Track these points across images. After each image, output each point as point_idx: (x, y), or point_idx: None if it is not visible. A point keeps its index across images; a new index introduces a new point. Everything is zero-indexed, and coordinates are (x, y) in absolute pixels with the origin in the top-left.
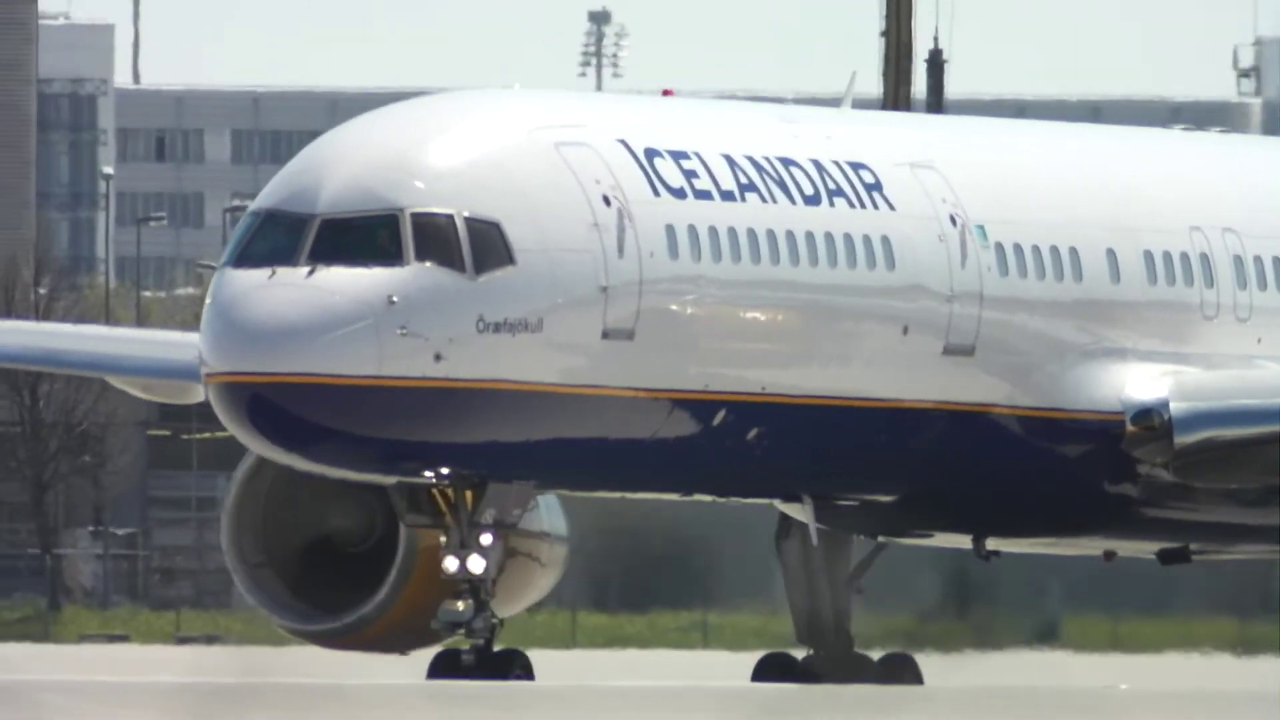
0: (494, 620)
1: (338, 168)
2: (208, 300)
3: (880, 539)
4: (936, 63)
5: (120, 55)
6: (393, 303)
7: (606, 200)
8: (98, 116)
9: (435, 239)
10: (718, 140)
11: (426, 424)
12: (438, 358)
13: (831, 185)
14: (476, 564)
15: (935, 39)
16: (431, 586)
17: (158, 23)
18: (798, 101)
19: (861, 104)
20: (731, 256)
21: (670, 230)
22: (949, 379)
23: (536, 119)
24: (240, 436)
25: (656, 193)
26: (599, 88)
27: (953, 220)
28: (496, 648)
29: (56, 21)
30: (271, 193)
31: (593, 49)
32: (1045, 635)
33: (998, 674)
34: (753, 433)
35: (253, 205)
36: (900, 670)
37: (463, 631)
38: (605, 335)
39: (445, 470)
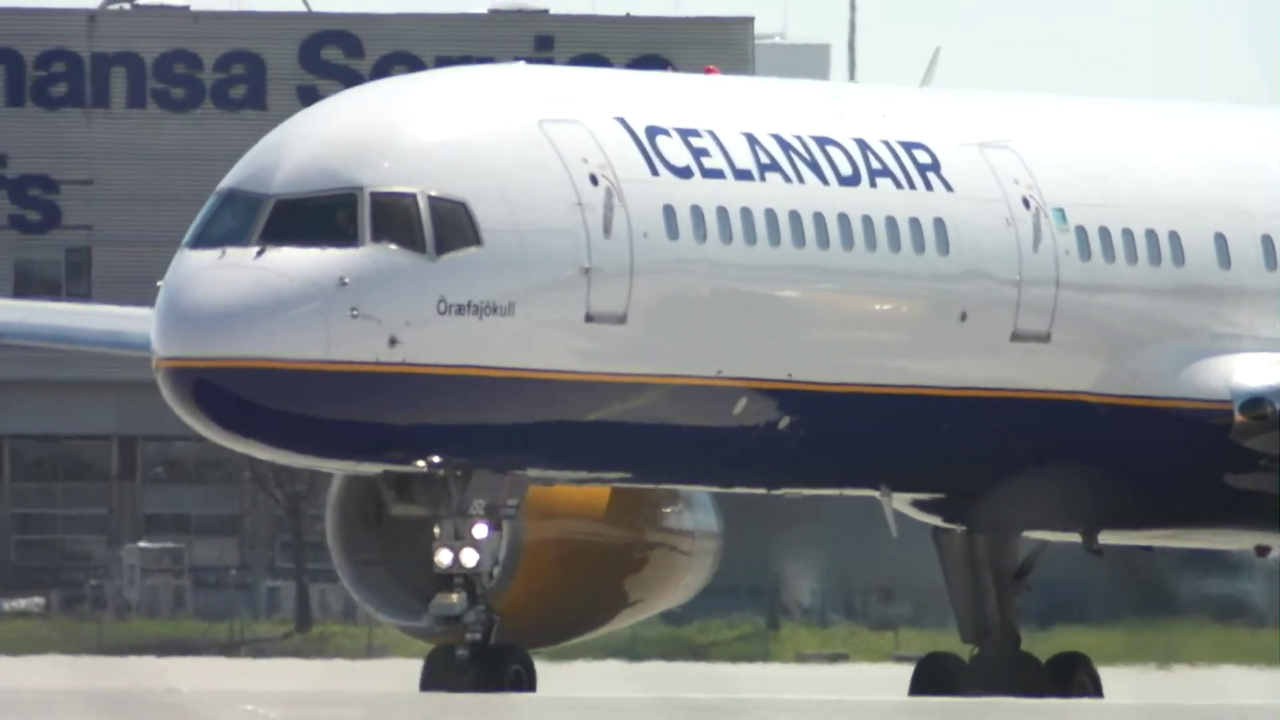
0: (491, 615)
1: (298, 146)
2: (162, 283)
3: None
4: None
5: (836, 76)
6: (344, 284)
7: (594, 179)
8: None
9: (395, 219)
10: (741, 118)
11: (380, 409)
12: (393, 341)
13: (876, 166)
14: (469, 557)
15: None
16: (542, 581)
17: (873, 40)
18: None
19: None
20: (745, 238)
21: (669, 210)
22: (1021, 366)
23: (522, 96)
24: (190, 423)
25: (655, 171)
26: None
27: (1025, 202)
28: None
29: (772, 41)
30: (235, 172)
31: None
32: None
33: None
34: (784, 421)
35: (219, 185)
36: (1071, 671)
37: (458, 626)
38: (590, 318)
39: (428, 459)
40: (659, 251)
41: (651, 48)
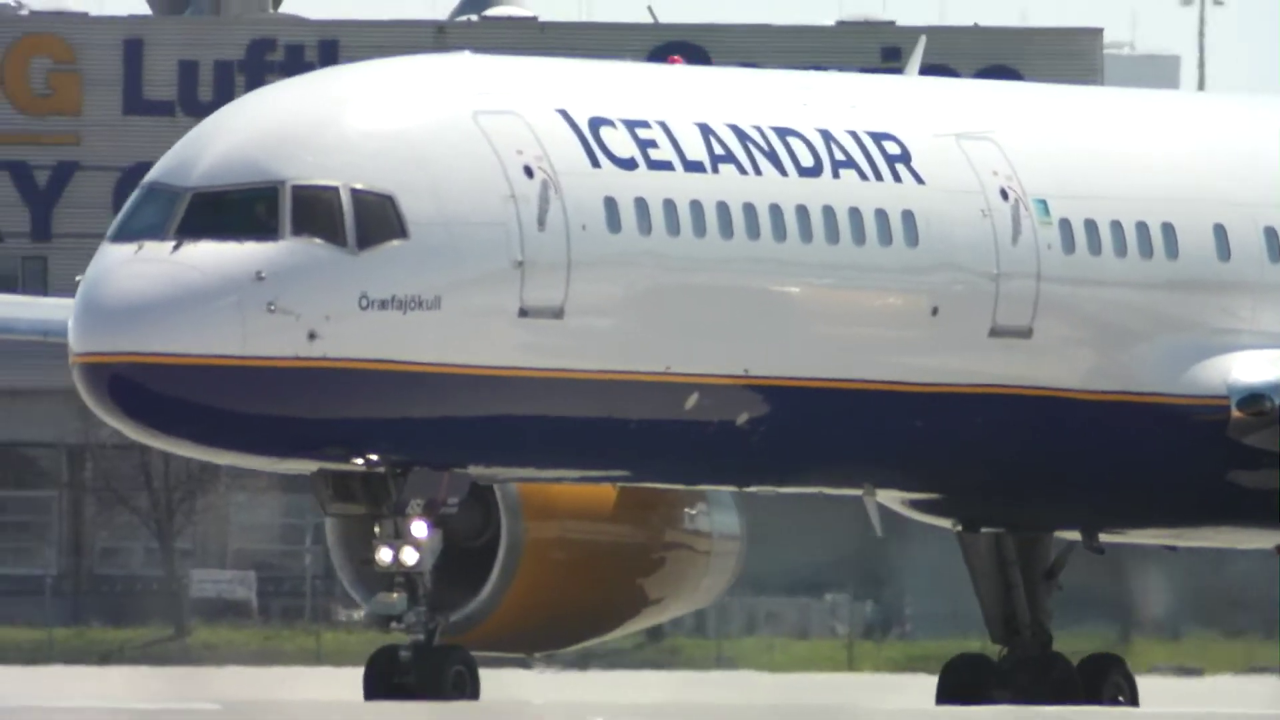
0: (431, 615)
1: (220, 139)
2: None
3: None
4: None
5: (1185, 86)
6: (260, 278)
7: (529, 171)
8: None
9: (316, 212)
10: (696, 109)
11: (300, 405)
12: (312, 336)
13: (840, 157)
14: (409, 555)
15: None
16: (544, 583)
17: (1223, 50)
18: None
19: None
20: (694, 230)
21: (610, 203)
22: (1000, 362)
23: (458, 88)
24: (109, 420)
25: (596, 163)
26: None
27: (1004, 194)
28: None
29: (1120, 52)
30: (158, 165)
31: None
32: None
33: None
34: (743, 417)
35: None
36: (1104, 675)
37: (397, 625)
38: (524, 312)
39: (365, 457)
40: (599, 245)
41: (999, 58)
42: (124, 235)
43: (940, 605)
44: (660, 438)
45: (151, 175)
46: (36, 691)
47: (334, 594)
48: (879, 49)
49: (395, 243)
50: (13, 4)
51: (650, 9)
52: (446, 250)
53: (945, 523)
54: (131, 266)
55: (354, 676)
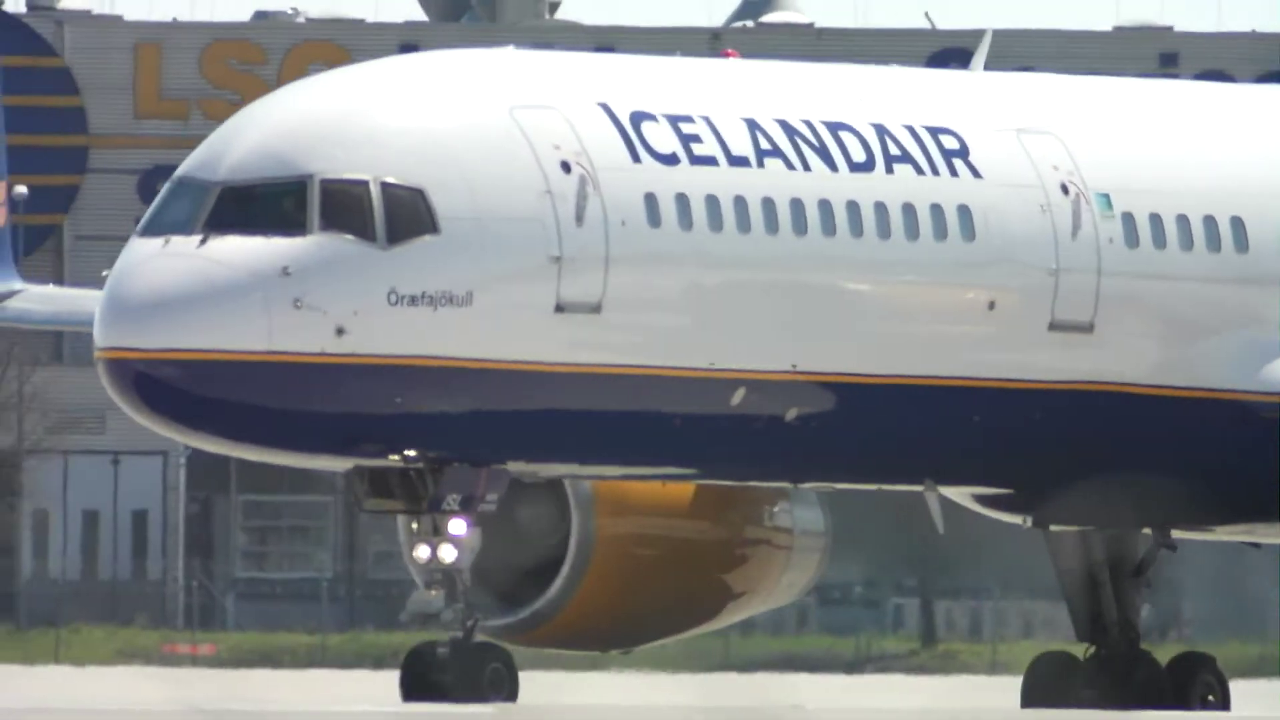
0: (469, 612)
1: (250, 132)
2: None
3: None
4: None
5: None
6: (287, 274)
7: (566, 167)
8: None
9: (345, 207)
10: (745, 104)
11: (327, 401)
12: (340, 331)
13: (895, 152)
14: (447, 552)
15: None
16: (617, 580)
17: None
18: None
19: None
20: (738, 225)
21: (651, 198)
22: (1060, 356)
23: (496, 82)
24: (134, 416)
25: (636, 158)
26: None
27: (1064, 189)
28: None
29: None
30: (190, 158)
31: None
32: None
33: None
34: (792, 413)
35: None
36: (1194, 675)
37: (435, 623)
38: (560, 308)
39: (402, 453)
40: (638, 240)
41: (1277, 64)
42: (152, 229)
43: (1220, 607)
44: (705, 433)
45: (182, 169)
46: (308, 696)
47: None
48: (1156, 55)
49: (426, 238)
50: (289, 11)
51: (927, 14)
52: (479, 245)
53: (1016, 519)
54: (157, 261)
55: (629, 681)
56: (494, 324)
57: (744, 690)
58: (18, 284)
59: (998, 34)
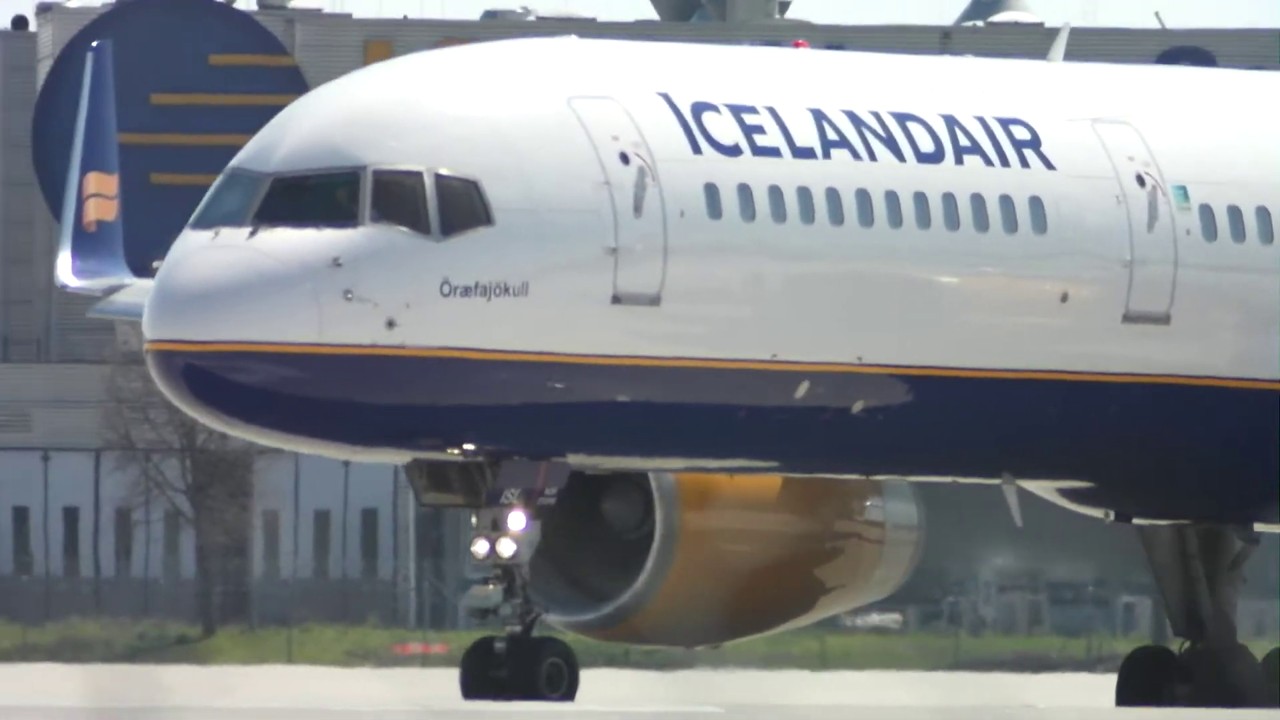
0: (529, 608)
1: (303, 123)
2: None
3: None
4: None
5: None
6: (338, 265)
7: (625, 158)
8: None
9: (397, 198)
10: (811, 94)
11: (379, 393)
12: (391, 324)
13: (965, 143)
14: (506, 547)
15: None
16: (702, 574)
17: None
18: None
19: None
20: (801, 216)
21: (711, 189)
22: (1135, 348)
23: (555, 72)
24: (185, 408)
25: (697, 149)
26: None
27: (1140, 180)
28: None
29: None
30: (244, 150)
31: None
32: None
33: None
34: (858, 405)
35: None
36: None
37: (493, 617)
38: (617, 299)
39: (461, 447)
40: (698, 231)
41: None
42: (203, 221)
43: None
44: (769, 425)
45: (235, 160)
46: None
47: None
48: None
49: (480, 229)
50: (519, 10)
51: (1157, 14)
52: (534, 237)
53: (1098, 513)
54: (207, 254)
55: (863, 680)
56: (549, 315)
57: (974, 689)
58: (127, 278)
59: (1225, 34)
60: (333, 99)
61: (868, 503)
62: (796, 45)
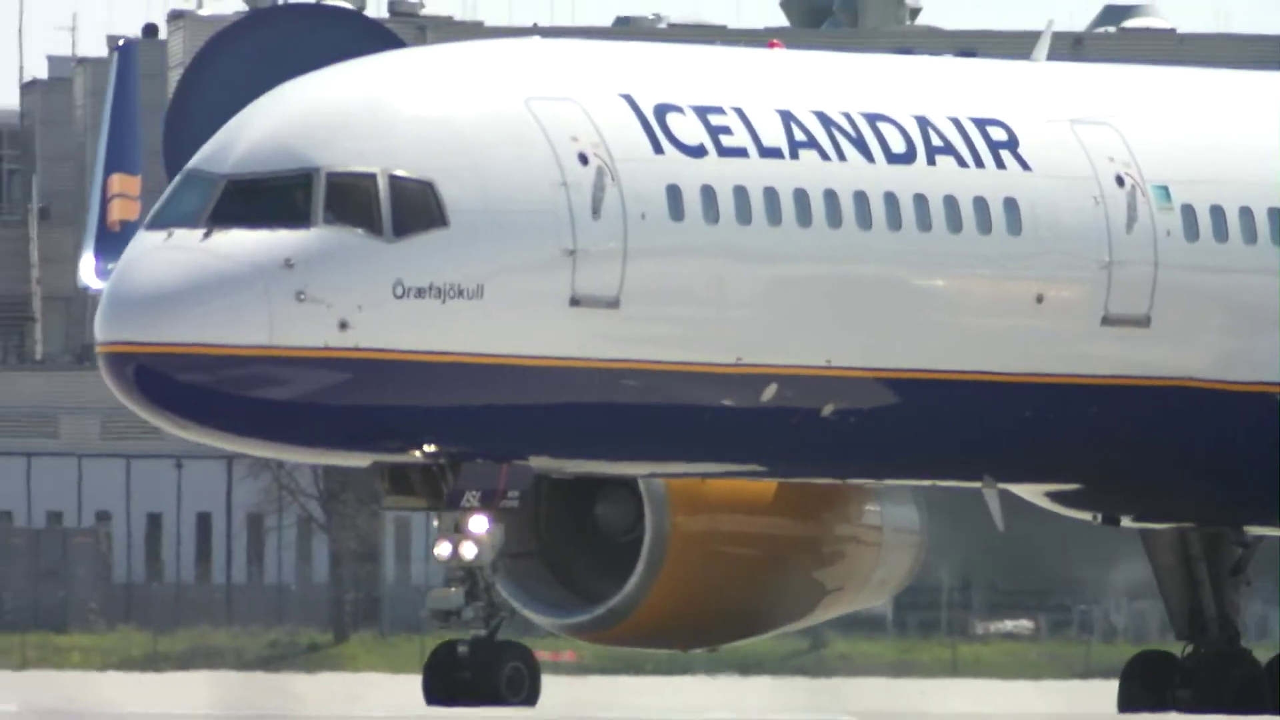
0: (493, 611)
1: (258, 124)
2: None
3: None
4: None
5: None
6: (289, 266)
7: (584, 158)
8: None
9: (351, 200)
10: (780, 95)
11: (332, 394)
12: (343, 325)
13: (937, 143)
14: (468, 549)
15: None
16: (693, 577)
17: None
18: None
19: None
20: (768, 218)
21: (674, 190)
22: (1113, 351)
23: (514, 73)
24: (137, 411)
25: (659, 150)
26: None
27: (1119, 180)
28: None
29: None
30: (201, 151)
31: None
32: None
33: None
34: (828, 409)
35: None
36: None
37: (456, 621)
38: (575, 302)
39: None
40: (659, 233)
41: None
42: (159, 222)
43: None
44: (736, 429)
45: (193, 161)
46: (673, 703)
47: (970, 606)
48: None
49: (435, 231)
50: (652, 16)
51: None
52: (490, 238)
53: (1086, 516)
54: (160, 254)
55: (995, 688)
56: (505, 317)
57: (1106, 696)
58: None
59: None
60: (289, 100)
61: (864, 506)
62: (771, 45)
